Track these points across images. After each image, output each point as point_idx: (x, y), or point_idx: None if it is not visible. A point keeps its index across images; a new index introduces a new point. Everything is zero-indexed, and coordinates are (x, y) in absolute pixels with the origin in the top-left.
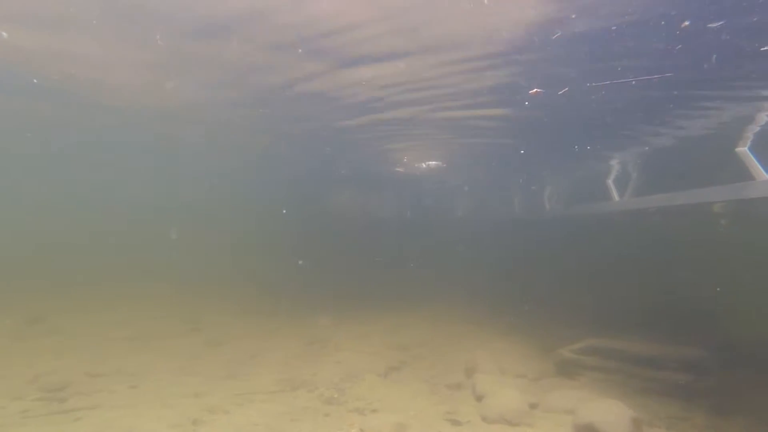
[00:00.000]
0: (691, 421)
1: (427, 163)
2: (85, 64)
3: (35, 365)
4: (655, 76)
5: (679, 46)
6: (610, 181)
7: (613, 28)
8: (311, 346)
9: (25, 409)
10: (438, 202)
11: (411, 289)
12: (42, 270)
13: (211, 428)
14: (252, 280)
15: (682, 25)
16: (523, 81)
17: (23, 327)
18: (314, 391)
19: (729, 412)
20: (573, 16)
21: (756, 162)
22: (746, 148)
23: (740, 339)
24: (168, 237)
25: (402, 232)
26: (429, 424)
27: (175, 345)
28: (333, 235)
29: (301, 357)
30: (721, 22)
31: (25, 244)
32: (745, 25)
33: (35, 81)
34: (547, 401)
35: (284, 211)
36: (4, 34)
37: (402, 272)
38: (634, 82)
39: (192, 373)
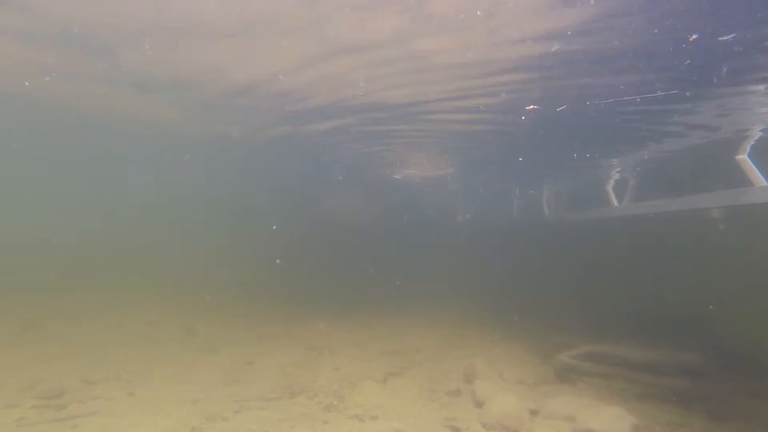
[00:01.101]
0: (690, 427)
1: (422, 166)
2: None
3: (31, 372)
4: (660, 94)
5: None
6: (608, 187)
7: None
8: (309, 352)
9: (21, 417)
10: (435, 208)
11: (407, 295)
12: (36, 276)
13: None
14: (247, 286)
15: (690, 39)
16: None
17: (18, 333)
18: (313, 398)
19: (727, 418)
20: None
21: (755, 169)
22: (746, 156)
23: (737, 344)
24: (164, 241)
25: (397, 238)
26: (428, 431)
27: (171, 351)
28: (328, 241)
29: (299, 363)
30: (732, 35)
31: (19, 250)
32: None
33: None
34: (548, 407)
35: (274, 227)
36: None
37: (397, 278)
38: (638, 100)
39: (189, 380)
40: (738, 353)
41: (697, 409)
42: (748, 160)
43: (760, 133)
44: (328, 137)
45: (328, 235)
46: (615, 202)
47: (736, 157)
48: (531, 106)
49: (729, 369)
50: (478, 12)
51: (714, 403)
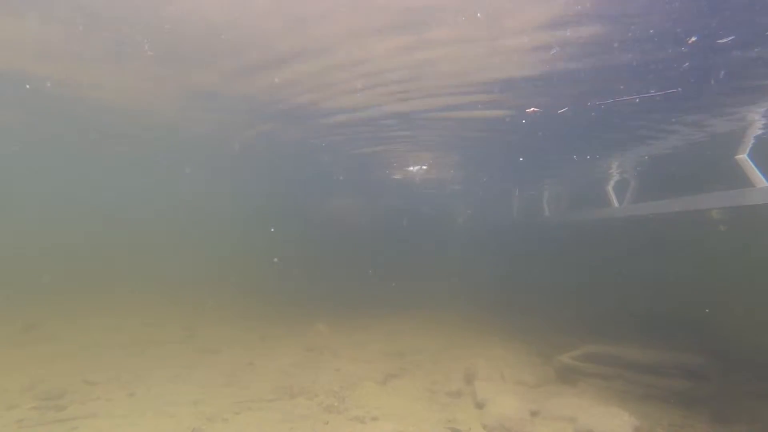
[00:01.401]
0: (692, 429)
1: (421, 167)
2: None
3: (31, 373)
4: (659, 93)
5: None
6: (608, 188)
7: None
8: (309, 353)
9: (21, 418)
10: (435, 209)
11: (407, 296)
12: (37, 277)
13: None
14: (247, 287)
15: (689, 41)
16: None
17: (18, 334)
18: (313, 399)
19: (729, 420)
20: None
21: (755, 169)
22: (745, 155)
23: (740, 345)
24: (165, 242)
25: (398, 239)
26: None
27: (171, 352)
28: (328, 242)
29: (299, 364)
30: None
31: (20, 251)
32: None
33: (27, 86)
34: (548, 408)
35: (272, 229)
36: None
37: (398, 279)
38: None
39: (189, 381)
40: (740, 354)
41: (699, 411)
42: (748, 160)
43: (760, 131)
44: (326, 137)
45: (328, 236)
46: (615, 203)
47: (736, 156)
48: (531, 109)
49: (732, 370)
50: (478, 14)
51: (716, 405)
